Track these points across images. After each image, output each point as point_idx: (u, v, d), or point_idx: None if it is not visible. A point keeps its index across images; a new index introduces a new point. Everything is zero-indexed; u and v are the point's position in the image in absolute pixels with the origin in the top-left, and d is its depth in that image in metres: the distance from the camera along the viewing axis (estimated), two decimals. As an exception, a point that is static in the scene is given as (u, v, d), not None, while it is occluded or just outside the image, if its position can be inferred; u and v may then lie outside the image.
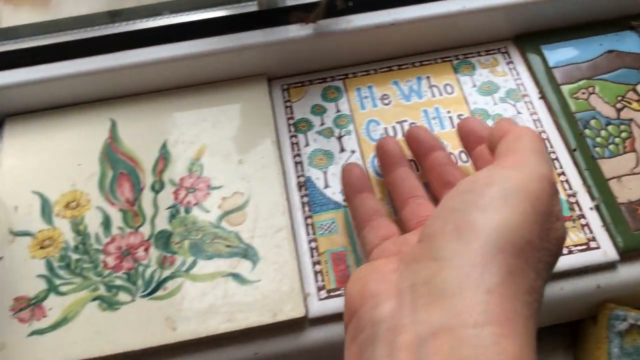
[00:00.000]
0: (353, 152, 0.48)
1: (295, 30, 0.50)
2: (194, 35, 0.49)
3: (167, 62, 0.49)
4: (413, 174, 0.41)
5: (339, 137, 0.48)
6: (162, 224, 0.44)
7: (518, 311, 0.23)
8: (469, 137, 0.41)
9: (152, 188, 0.46)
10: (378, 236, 0.37)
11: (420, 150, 0.43)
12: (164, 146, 0.48)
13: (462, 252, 0.24)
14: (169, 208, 0.45)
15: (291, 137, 0.49)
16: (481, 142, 0.39)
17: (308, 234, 0.44)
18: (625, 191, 0.44)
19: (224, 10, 0.51)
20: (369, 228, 0.39)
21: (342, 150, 0.48)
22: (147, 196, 0.46)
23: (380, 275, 0.28)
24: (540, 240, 0.25)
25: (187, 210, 0.45)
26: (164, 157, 0.48)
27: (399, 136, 0.48)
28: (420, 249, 0.26)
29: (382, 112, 0.49)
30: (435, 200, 0.41)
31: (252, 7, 0.51)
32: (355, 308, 0.27)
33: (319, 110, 0.50)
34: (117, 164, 0.47)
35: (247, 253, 0.42)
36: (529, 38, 0.52)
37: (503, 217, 0.25)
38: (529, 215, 0.25)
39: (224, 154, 0.48)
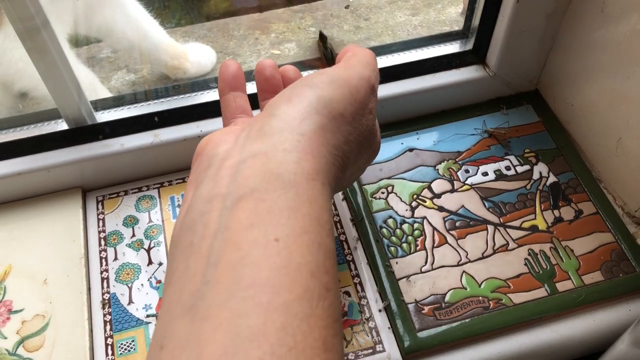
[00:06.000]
0: (160, 264, 0.49)
1: (108, 146, 0.51)
2: (4, 156, 0.50)
3: (-25, 183, 0.49)
4: (245, 97, 0.42)
5: (148, 249, 0.49)
6: (-43, 354, 0.44)
7: (322, 153, 0.30)
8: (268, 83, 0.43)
9: (-49, 316, 0.46)
10: None
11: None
12: (-31, 269, 0.48)
13: (289, 110, 0.31)
14: (-35, 337, 0.45)
15: (101, 251, 0.49)
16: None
17: (107, 354, 0.44)
18: (413, 291, 0.47)
19: (33, 130, 0.51)
20: (234, 124, 0.41)
21: (150, 262, 0.49)
22: (-55, 325, 0.45)
23: (226, 131, 0.34)
24: (352, 119, 0.33)
25: (-15, 338, 0.44)
26: (-33, 281, 0.47)
27: (208, 245, 0.50)
28: (261, 113, 0.33)
29: (193, 221, 0.51)
30: None
31: (62, 125, 0.52)
32: (200, 151, 0.34)
33: (131, 222, 0.51)
34: None
35: (39, 382, 0.42)
36: (337, 139, 0.56)
37: (325, 92, 0.32)
38: (345, 97, 0.33)
39: (30, 274, 0.48)
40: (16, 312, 0.46)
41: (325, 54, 0.43)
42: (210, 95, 0.53)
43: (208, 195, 0.29)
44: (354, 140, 0.34)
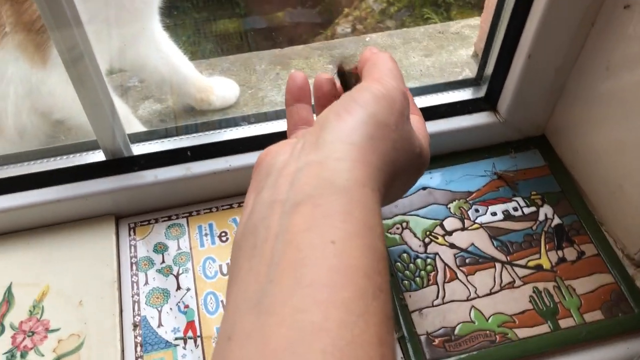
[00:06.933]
0: (188, 289, 0.52)
1: (142, 177, 0.55)
2: (45, 184, 0.53)
3: (19, 209, 0.53)
4: (308, 109, 0.45)
5: (177, 275, 0.53)
6: (-3, 369, 0.47)
7: (372, 161, 0.33)
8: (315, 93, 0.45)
9: (-7, 333, 0.49)
10: None
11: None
12: (9, 289, 0.51)
13: (338, 124, 0.34)
14: (5, 353, 0.48)
15: (132, 275, 0.53)
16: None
17: (137, 374, 0.47)
18: (425, 323, 0.50)
19: (72, 159, 0.55)
20: (295, 135, 0.43)
21: (179, 288, 0.52)
22: (-14, 341, 0.48)
23: (284, 143, 0.37)
24: (395, 127, 0.36)
25: (23, 355, 0.48)
26: (7, 300, 0.51)
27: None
28: (313, 127, 0.36)
29: (219, 250, 0.54)
30: None
31: (99, 156, 0.55)
32: (260, 161, 0.36)
33: (160, 249, 0.54)
34: (-39, 308, 0.50)
35: (75, 398, 0.45)
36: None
37: (370, 108, 0.35)
38: (387, 109, 0.36)
39: (66, 296, 0.51)
40: (53, 331, 0.49)
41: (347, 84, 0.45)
42: (239, 132, 0.57)
43: (269, 201, 0.32)
44: (400, 147, 0.36)
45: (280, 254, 0.29)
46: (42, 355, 0.48)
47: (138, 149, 0.56)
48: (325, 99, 0.44)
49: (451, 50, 0.90)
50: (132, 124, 0.74)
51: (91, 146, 0.56)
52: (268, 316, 0.27)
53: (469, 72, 0.85)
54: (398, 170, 0.36)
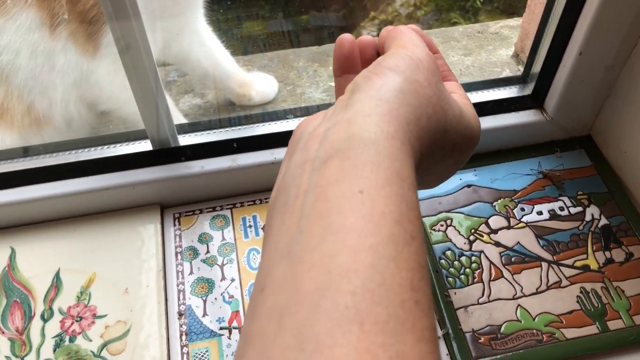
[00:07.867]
0: (233, 280, 0.52)
1: (189, 167, 0.55)
2: (93, 172, 0.54)
3: (67, 196, 0.54)
4: None
5: (222, 266, 0.53)
6: (47, 352, 0.48)
7: (402, 113, 0.33)
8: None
9: (42, 317, 0.49)
10: None
11: None
12: (57, 274, 0.52)
13: (368, 84, 0.34)
14: (54, 337, 0.48)
15: (177, 265, 0.53)
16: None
17: (183, 362, 0.48)
18: (470, 320, 0.49)
19: (120, 148, 0.56)
20: None
21: (223, 278, 0.52)
22: (36, 325, 0.49)
23: (319, 112, 0.37)
24: (427, 84, 0.36)
25: (72, 339, 0.48)
26: (56, 285, 0.51)
27: (276, 265, 0.53)
28: (344, 94, 0.36)
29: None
30: None
31: (146, 145, 0.56)
32: (295, 131, 0.37)
33: (205, 239, 0.55)
34: (11, 293, 0.51)
35: (122, 383, 0.46)
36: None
37: (399, 69, 0.35)
38: (415, 67, 0.36)
39: (112, 283, 0.52)
40: (100, 317, 0.50)
41: None
42: (285, 125, 0.57)
43: (299, 162, 0.32)
44: (437, 103, 0.36)
45: (309, 206, 0.29)
46: (90, 340, 0.48)
47: (185, 140, 0.56)
48: (369, 64, 0.41)
49: (490, 50, 0.90)
50: (176, 116, 0.75)
51: (139, 136, 0.56)
52: (298, 263, 0.27)
53: (509, 72, 0.84)
54: (436, 128, 0.36)
